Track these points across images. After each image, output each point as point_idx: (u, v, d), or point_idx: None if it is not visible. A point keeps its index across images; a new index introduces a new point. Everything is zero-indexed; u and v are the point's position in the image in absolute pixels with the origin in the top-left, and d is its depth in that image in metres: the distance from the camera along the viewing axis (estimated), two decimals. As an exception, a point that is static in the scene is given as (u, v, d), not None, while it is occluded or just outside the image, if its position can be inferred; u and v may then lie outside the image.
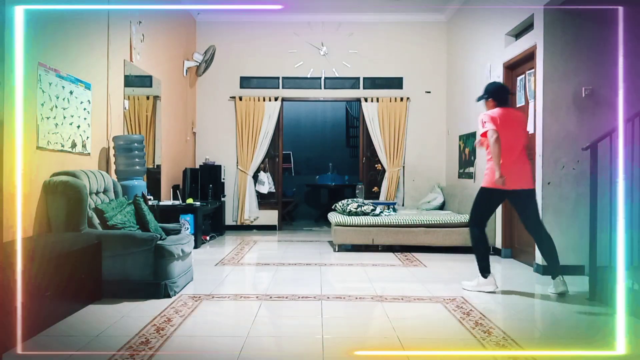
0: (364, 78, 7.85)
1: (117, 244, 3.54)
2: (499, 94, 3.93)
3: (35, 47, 3.58)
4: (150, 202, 5.08)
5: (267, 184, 7.76)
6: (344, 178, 9.69)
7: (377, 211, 6.11)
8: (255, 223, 7.81)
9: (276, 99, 7.72)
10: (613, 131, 3.70)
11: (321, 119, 10.80)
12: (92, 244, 3.45)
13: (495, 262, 5.26)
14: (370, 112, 7.70)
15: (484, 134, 3.81)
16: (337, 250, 5.89)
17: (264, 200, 7.92)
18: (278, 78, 7.85)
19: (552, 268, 3.82)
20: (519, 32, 5.26)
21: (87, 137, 4.34)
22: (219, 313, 3.28)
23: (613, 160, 3.72)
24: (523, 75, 5.13)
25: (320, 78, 7.83)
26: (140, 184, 4.75)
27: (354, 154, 10.12)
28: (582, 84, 4.55)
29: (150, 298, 3.52)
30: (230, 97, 7.83)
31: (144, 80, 5.80)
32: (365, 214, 6.01)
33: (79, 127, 4.19)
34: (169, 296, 3.58)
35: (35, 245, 3.10)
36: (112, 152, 4.77)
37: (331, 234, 6.15)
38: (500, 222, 5.53)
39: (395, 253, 5.75)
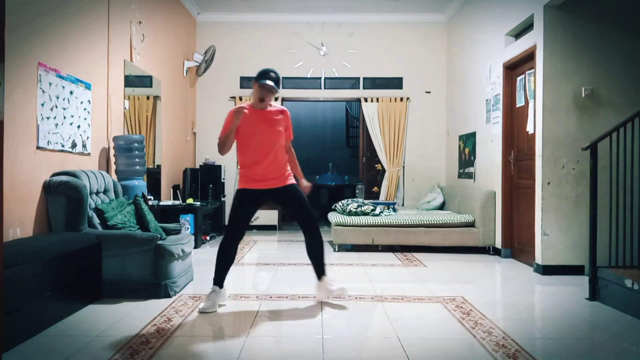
0: (364, 78, 7.86)
1: (117, 244, 3.54)
2: None
3: (35, 47, 3.59)
4: (150, 202, 5.08)
5: (267, 184, 7.75)
6: (344, 178, 9.69)
7: (377, 211, 6.11)
8: (255, 223, 7.81)
9: (276, 99, 7.72)
10: (613, 131, 3.71)
11: (321, 119, 10.81)
12: (92, 244, 3.45)
13: (495, 262, 5.27)
14: (370, 112, 7.70)
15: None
16: (337, 250, 5.89)
17: (264, 200, 7.91)
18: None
19: (318, 268, 3.52)
20: (519, 32, 5.26)
21: (87, 137, 4.34)
22: (219, 313, 3.28)
23: (613, 160, 3.73)
24: (523, 75, 5.12)
25: (320, 78, 7.83)
26: (140, 184, 4.75)
27: (354, 154, 10.12)
28: (582, 84, 4.55)
29: (150, 298, 3.52)
30: (231, 97, 7.83)
31: (144, 80, 5.81)
32: (365, 214, 6.02)
33: (79, 127, 4.20)
34: (169, 296, 3.58)
35: (35, 245, 3.10)
36: (112, 152, 4.77)
37: (331, 234, 6.14)
38: (500, 222, 5.53)
39: (395, 253, 5.75)
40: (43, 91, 3.67)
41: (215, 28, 7.84)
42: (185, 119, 7.35)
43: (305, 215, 3.47)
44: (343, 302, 3.55)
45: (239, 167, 3.58)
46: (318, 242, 3.51)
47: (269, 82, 3.32)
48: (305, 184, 3.61)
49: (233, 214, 3.45)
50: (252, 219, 8.04)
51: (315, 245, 3.51)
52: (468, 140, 6.63)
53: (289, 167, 3.53)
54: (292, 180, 3.50)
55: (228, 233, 3.44)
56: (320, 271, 3.52)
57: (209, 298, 3.32)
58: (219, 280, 3.41)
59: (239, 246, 3.67)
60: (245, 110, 3.33)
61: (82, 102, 4.24)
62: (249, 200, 3.45)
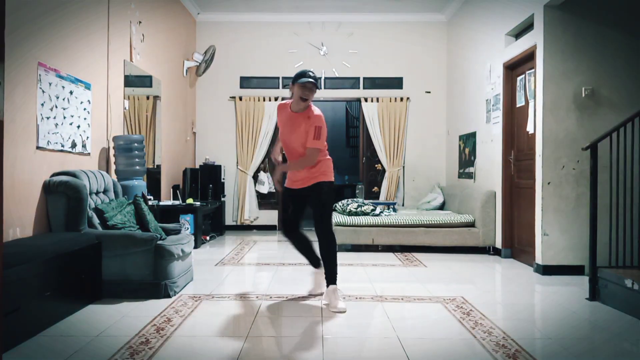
0: (364, 78, 7.86)
1: (117, 244, 3.54)
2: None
3: (35, 47, 3.58)
4: (150, 202, 5.08)
5: (267, 184, 7.76)
6: (344, 178, 9.69)
7: (377, 211, 6.11)
8: (255, 223, 7.81)
9: (276, 99, 7.72)
10: (613, 131, 3.71)
11: (321, 119, 10.80)
12: (92, 244, 3.45)
13: (495, 262, 5.27)
14: (370, 112, 7.70)
15: None
16: (337, 250, 5.87)
17: (264, 200, 7.92)
18: (278, 78, 7.85)
19: (327, 274, 3.50)
20: (519, 32, 5.26)
21: (87, 137, 4.34)
22: (219, 313, 3.28)
23: (613, 160, 3.72)
24: (523, 75, 5.12)
25: (320, 78, 7.83)
26: (140, 184, 4.75)
27: (354, 154, 10.12)
28: (582, 83, 4.55)
29: (150, 298, 3.52)
30: (230, 97, 7.83)
31: (144, 80, 5.81)
32: (365, 214, 6.01)
33: (79, 127, 4.19)
34: (169, 296, 3.58)
35: (36, 245, 3.09)
36: (112, 152, 4.77)
37: (331, 234, 6.14)
38: (500, 222, 5.53)
39: (395, 253, 5.75)
40: (43, 91, 3.67)
41: (215, 28, 7.84)
42: (185, 119, 7.35)
43: (317, 220, 3.49)
44: (343, 302, 3.55)
45: None
46: (324, 248, 3.50)
47: (310, 80, 3.39)
48: (276, 176, 3.70)
49: (282, 208, 3.79)
50: (253, 219, 8.04)
51: (322, 251, 3.51)
52: (468, 140, 6.63)
53: (324, 167, 3.57)
54: (320, 180, 3.53)
55: (283, 226, 3.76)
56: (327, 278, 3.50)
57: (314, 281, 3.72)
58: (314, 263, 3.72)
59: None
60: (279, 173, 3.66)
61: (82, 102, 4.24)
62: (289, 197, 3.70)
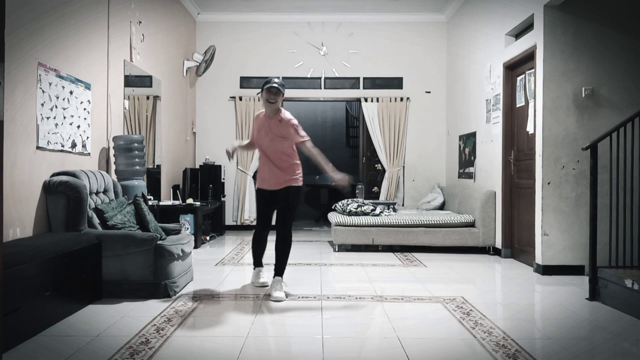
0: (364, 78, 7.86)
1: (117, 244, 3.54)
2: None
3: (35, 47, 3.58)
4: (150, 202, 5.08)
5: (267, 184, 7.75)
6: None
7: (377, 211, 6.11)
8: (255, 223, 7.80)
9: (276, 99, 7.70)
10: (613, 131, 3.71)
11: (321, 119, 10.80)
12: (92, 244, 3.45)
13: (495, 262, 5.27)
14: (370, 112, 7.70)
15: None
16: (337, 250, 5.89)
17: (264, 200, 7.91)
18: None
19: (277, 267, 3.85)
20: (519, 32, 5.26)
21: (87, 137, 4.34)
22: (219, 313, 3.28)
23: (613, 160, 3.73)
24: (523, 75, 5.12)
25: (320, 78, 7.83)
26: (140, 184, 4.75)
27: (354, 154, 10.12)
28: (582, 83, 4.55)
29: (150, 298, 3.52)
30: (230, 97, 7.83)
31: (144, 80, 5.81)
32: (365, 214, 6.01)
33: (79, 127, 4.19)
34: (169, 296, 3.58)
35: (35, 245, 3.09)
36: (112, 152, 4.77)
37: (331, 234, 6.14)
38: (500, 222, 5.53)
39: (395, 253, 5.75)
40: (43, 91, 3.67)
41: (215, 28, 7.84)
42: (185, 118, 7.35)
43: (280, 221, 3.85)
44: (343, 302, 3.55)
45: None
46: (281, 247, 3.85)
47: (272, 85, 3.75)
48: (336, 177, 3.75)
49: (256, 209, 4.10)
50: (253, 219, 8.02)
51: (279, 248, 3.86)
52: (468, 140, 6.63)
53: (294, 172, 3.86)
54: (291, 184, 3.83)
55: (255, 225, 4.10)
56: (277, 270, 3.83)
57: (257, 276, 4.05)
58: (256, 263, 4.09)
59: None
60: (236, 144, 4.11)
61: (81, 102, 4.24)
62: (260, 198, 3.96)
